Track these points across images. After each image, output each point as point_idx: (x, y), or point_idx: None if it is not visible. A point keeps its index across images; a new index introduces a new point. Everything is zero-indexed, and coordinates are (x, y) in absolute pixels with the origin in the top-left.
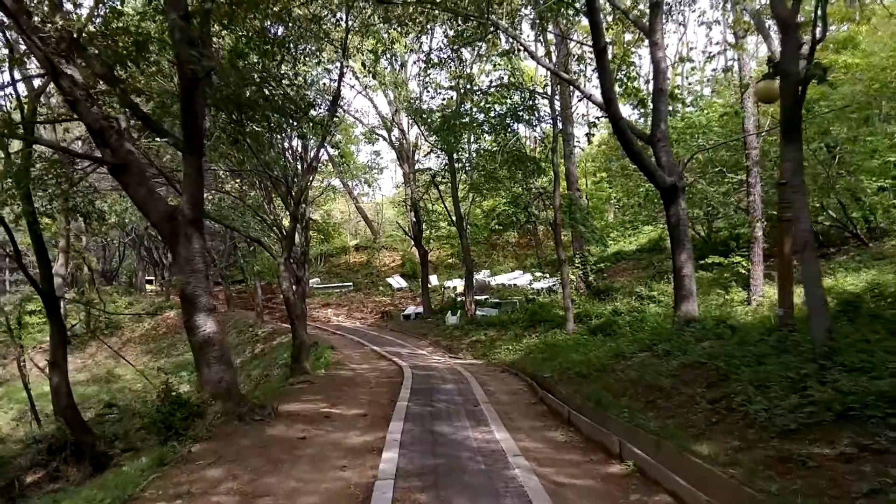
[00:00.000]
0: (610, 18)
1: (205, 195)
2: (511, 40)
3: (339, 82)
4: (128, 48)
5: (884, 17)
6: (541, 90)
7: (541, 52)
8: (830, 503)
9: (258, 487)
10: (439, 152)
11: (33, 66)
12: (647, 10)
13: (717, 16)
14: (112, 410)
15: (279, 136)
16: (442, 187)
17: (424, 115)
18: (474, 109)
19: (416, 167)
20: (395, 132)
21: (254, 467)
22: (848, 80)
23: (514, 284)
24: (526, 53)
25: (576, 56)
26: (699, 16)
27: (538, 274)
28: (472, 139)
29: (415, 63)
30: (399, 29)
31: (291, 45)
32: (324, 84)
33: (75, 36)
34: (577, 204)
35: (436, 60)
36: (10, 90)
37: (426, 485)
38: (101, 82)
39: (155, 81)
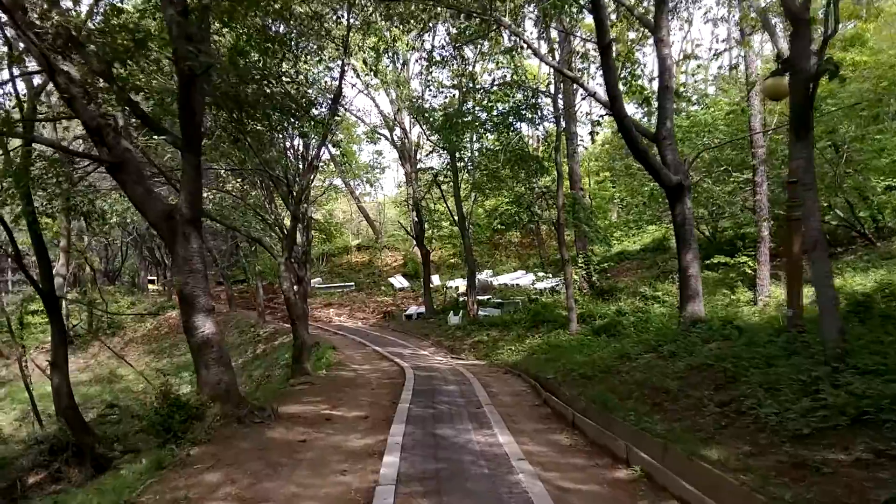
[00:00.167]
0: (614, 17)
1: (206, 194)
2: (514, 38)
3: (341, 80)
4: (127, 45)
5: (891, 15)
6: (544, 88)
7: (544, 49)
8: None
9: (257, 492)
10: (441, 151)
11: (33, 63)
12: (653, 7)
13: (722, 13)
14: (114, 411)
15: (280, 136)
16: (444, 187)
17: (427, 114)
18: (477, 108)
19: (419, 166)
20: (397, 131)
21: (253, 471)
22: (855, 77)
23: (517, 284)
24: (529, 51)
25: (579, 54)
26: (705, 13)
27: (541, 274)
28: (474, 138)
29: (417, 61)
30: (401, 27)
31: (292, 43)
32: (325, 83)
33: (74, 33)
34: (580, 203)
35: (438, 58)
36: (9, 88)
37: (428, 490)
38: (98, 79)
39: (156, 80)
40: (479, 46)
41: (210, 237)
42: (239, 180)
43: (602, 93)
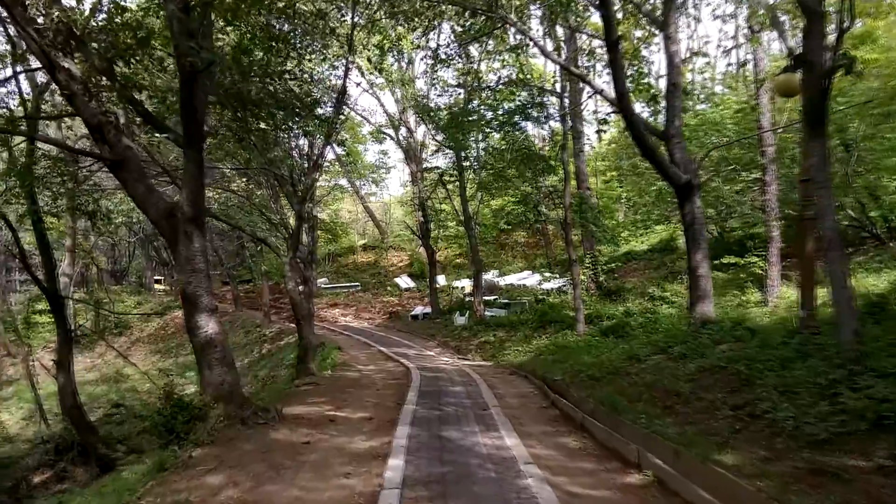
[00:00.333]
0: (620, 15)
1: (211, 194)
2: (519, 36)
3: (345, 78)
4: (129, 43)
5: None
6: (549, 87)
7: (549, 48)
8: None
9: (259, 496)
10: (447, 151)
11: (37, 62)
12: (661, 4)
13: (731, 9)
14: (119, 411)
15: (285, 135)
16: (450, 186)
17: (432, 114)
18: (482, 107)
19: (424, 166)
20: (403, 131)
21: (255, 473)
22: (866, 75)
23: (524, 285)
24: (534, 50)
25: (586, 51)
26: (713, 10)
27: (547, 274)
28: (480, 137)
29: (422, 59)
30: (406, 25)
31: (297, 42)
32: (330, 81)
33: (77, 32)
34: (587, 203)
35: (443, 57)
36: (13, 87)
37: (434, 494)
38: (100, 77)
39: (160, 79)
40: (484, 45)
41: (216, 237)
42: (244, 180)
43: (609, 90)
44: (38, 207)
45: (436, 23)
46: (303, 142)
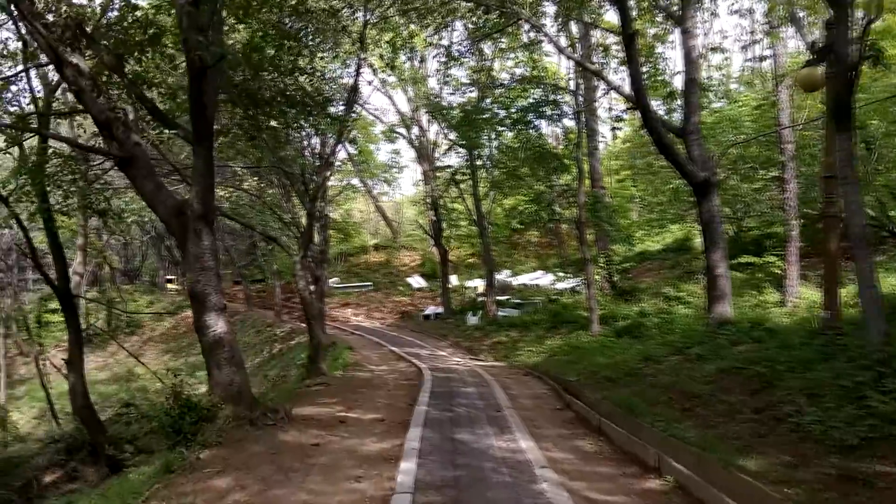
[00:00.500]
0: (634, 13)
1: (223, 193)
2: (533, 32)
3: (357, 76)
4: (140, 40)
5: None
6: (563, 85)
7: (563, 45)
8: None
9: (267, 500)
10: (459, 150)
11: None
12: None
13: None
14: (129, 410)
15: (297, 134)
16: (462, 185)
17: (444, 112)
18: (495, 105)
19: (436, 165)
20: (415, 130)
21: (263, 476)
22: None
23: (536, 285)
24: (548, 48)
25: (601, 48)
26: (730, 5)
27: (561, 274)
28: (493, 136)
29: (434, 57)
30: (418, 22)
31: (308, 39)
32: (341, 80)
33: (83, 26)
34: (601, 202)
35: (455, 55)
36: (24, 84)
37: (447, 499)
38: (110, 74)
39: (171, 76)
40: (496, 43)
41: (228, 236)
42: (255, 178)
43: (625, 86)
44: (50, 205)
45: (448, 20)
46: (314, 140)
